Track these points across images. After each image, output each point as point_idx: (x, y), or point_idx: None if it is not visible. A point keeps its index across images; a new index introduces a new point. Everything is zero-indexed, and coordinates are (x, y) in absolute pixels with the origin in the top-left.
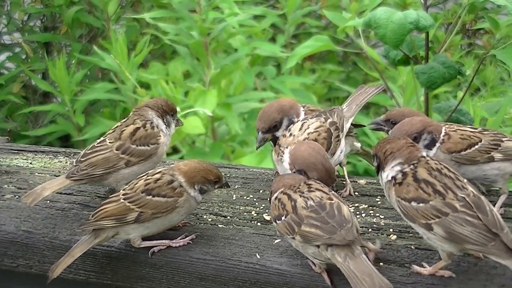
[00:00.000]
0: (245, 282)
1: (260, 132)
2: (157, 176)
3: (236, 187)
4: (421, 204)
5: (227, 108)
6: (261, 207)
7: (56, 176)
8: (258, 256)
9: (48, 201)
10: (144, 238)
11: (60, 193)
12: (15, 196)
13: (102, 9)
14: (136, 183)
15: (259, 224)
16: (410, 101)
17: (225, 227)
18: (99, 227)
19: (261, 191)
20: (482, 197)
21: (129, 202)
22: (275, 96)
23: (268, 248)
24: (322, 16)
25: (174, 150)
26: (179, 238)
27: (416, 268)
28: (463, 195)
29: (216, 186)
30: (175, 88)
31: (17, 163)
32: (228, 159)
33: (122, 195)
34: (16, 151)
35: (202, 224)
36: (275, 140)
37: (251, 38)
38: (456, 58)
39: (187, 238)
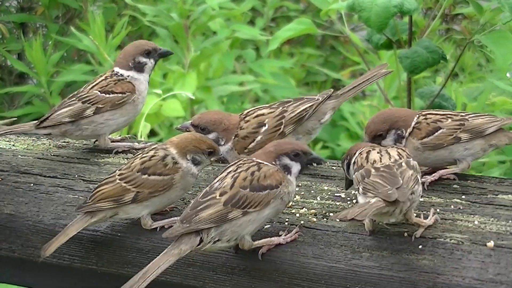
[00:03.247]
0: (233, 269)
1: None
2: (151, 152)
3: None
4: None
5: (206, 91)
6: None
7: (40, 158)
8: None
9: (32, 184)
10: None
11: (44, 176)
12: None
13: None
14: (132, 162)
15: None
16: (391, 86)
17: None
18: (97, 210)
19: None
20: None
21: (125, 183)
22: (255, 79)
23: (257, 233)
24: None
25: (152, 133)
26: None
27: None
28: None
29: (211, 158)
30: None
31: None
32: None
33: (118, 175)
34: None
35: None
36: None
37: (229, 21)
38: (436, 44)
39: None
